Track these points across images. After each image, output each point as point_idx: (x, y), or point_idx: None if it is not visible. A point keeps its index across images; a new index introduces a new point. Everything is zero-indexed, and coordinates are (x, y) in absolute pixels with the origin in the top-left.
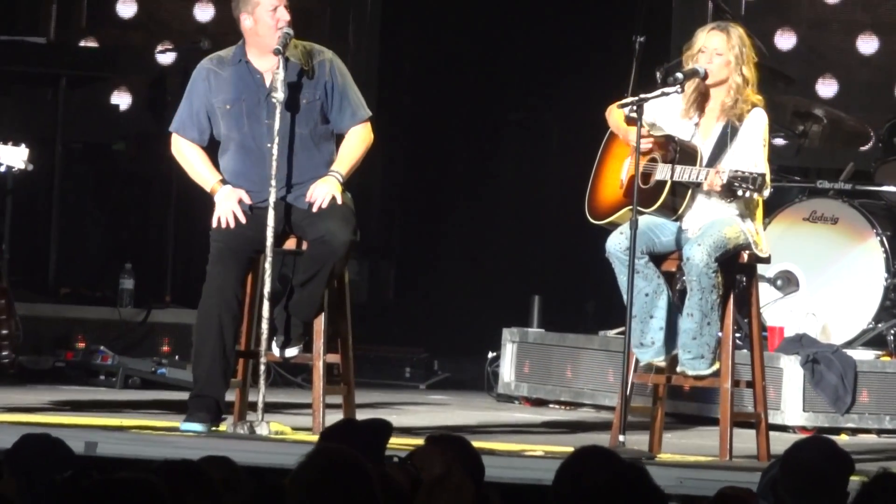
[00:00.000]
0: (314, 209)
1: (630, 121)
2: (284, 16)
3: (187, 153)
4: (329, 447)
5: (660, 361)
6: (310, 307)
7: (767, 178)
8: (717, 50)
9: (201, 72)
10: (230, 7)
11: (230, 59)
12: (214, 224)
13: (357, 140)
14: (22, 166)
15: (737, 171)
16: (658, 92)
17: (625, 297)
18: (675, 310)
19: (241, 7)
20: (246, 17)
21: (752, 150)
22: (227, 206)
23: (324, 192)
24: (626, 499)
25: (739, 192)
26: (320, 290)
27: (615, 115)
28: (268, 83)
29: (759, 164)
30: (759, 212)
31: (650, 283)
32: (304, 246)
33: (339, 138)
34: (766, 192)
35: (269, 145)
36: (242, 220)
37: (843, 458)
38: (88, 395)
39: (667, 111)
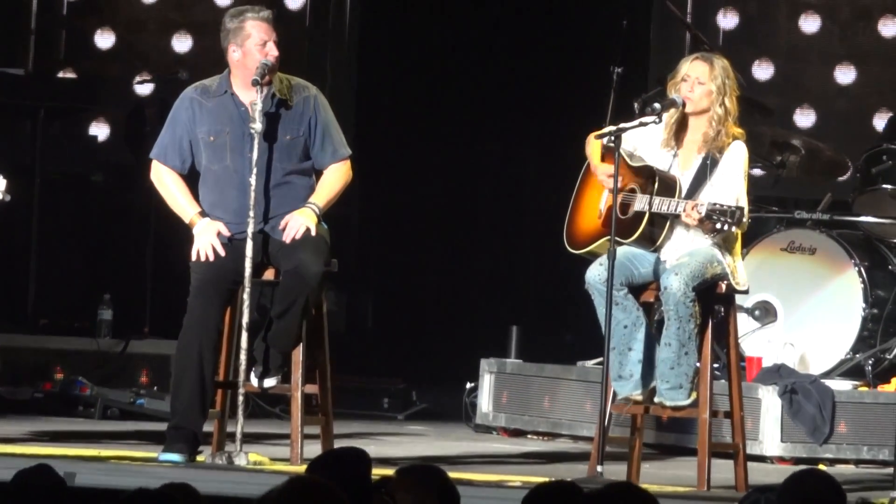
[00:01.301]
0: (287, 240)
1: (608, 151)
2: (273, 51)
3: (167, 182)
4: (303, 476)
5: (637, 395)
6: (287, 338)
7: (746, 211)
8: (699, 79)
9: (185, 100)
10: (209, 38)
11: (215, 90)
12: (194, 257)
13: (336, 177)
14: (0, 197)
15: (715, 205)
16: (636, 122)
17: (603, 328)
18: (653, 343)
19: (231, 39)
20: (234, 50)
21: (731, 184)
22: (206, 240)
23: (298, 223)
24: None
25: (718, 225)
26: (297, 321)
27: (593, 147)
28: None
29: (739, 198)
30: (738, 245)
31: (629, 316)
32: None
33: (317, 173)
34: (746, 227)
35: (250, 178)
36: (221, 252)
37: (842, 491)
38: (67, 426)
39: (647, 141)
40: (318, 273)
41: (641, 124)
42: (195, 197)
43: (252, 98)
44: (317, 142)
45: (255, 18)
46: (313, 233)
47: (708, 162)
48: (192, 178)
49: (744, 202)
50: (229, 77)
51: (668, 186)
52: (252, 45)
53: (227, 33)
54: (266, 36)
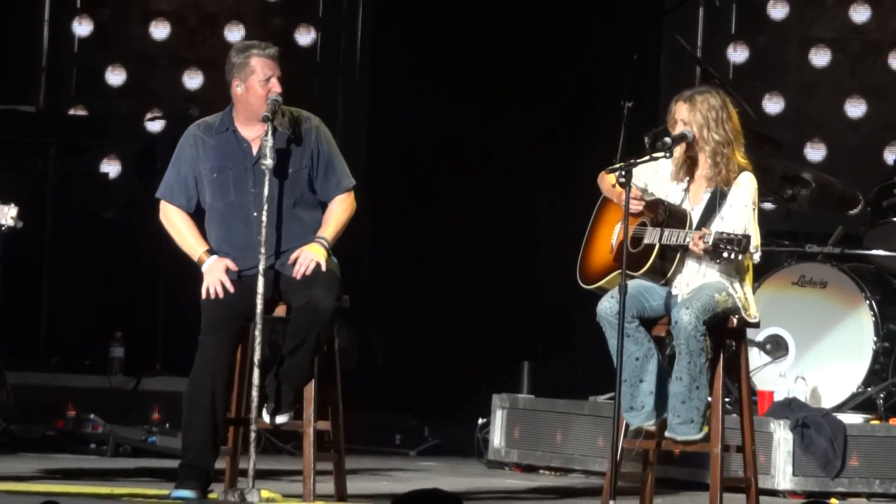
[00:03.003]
0: (297, 276)
1: (621, 186)
2: (276, 87)
3: (175, 221)
4: None
5: (650, 426)
6: (300, 375)
7: (755, 240)
8: (683, 120)
9: (189, 138)
10: (219, 75)
11: (217, 127)
12: (203, 295)
13: (341, 208)
14: (11, 223)
15: (721, 233)
16: (647, 157)
17: (615, 360)
18: (665, 374)
19: (235, 73)
20: (238, 84)
21: (739, 215)
22: (215, 277)
23: (309, 258)
24: None
25: (725, 254)
26: (309, 357)
27: (607, 179)
28: (255, 152)
29: (748, 228)
30: (749, 276)
31: (640, 347)
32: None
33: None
34: (757, 256)
35: (255, 214)
36: (231, 289)
37: None
38: (79, 464)
39: (658, 176)
40: (330, 308)
41: (652, 159)
42: (203, 234)
43: (253, 134)
44: (320, 173)
45: (260, 55)
46: (323, 267)
47: (716, 195)
48: (200, 216)
49: (752, 231)
50: (231, 112)
51: (678, 219)
52: (255, 81)
53: (231, 67)
54: (270, 72)
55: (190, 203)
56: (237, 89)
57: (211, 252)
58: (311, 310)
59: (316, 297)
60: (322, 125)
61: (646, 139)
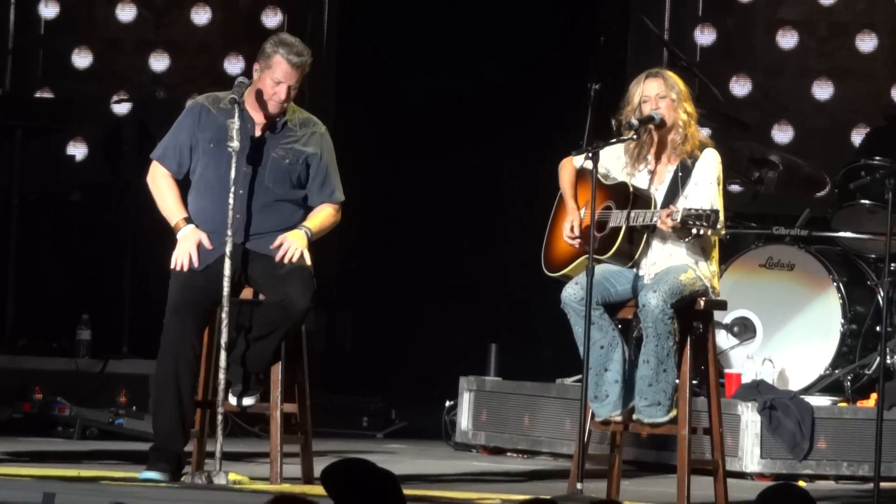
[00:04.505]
0: (285, 260)
1: (582, 174)
2: (281, 94)
3: (161, 184)
4: (286, 495)
5: (616, 416)
6: (260, 362)
7: (721, 216)
8: (660, 94)
9: (194, 107)
10: (186, 57)
11: (226, 101)
12: (172, 264)
13: (329, 213)
14: None
15: (689, 209)
16: (615, 139)
17: (580, 348)
18: (630, 363)
19: (259, 58)
20: (256, 70)
21: (704, 191)
22: (185, 248)
23: (294, 245)
24: None
25: (693, 230)
26: (272, 347)
27: (565, 172)
28: (257, 133)
29: (714, 204)
30: (715, 252)
31: (605, 336)
32: (261, 297)
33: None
34: (723, 232)
35: (241, 191)
36: (196, 264)
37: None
38: (46, 446)
39: (620, 161)
40: (304, 309)
41: (619, 140)
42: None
43: (259, 119)
44: (318, 178)
45: (285, 59)
46: (307, 258)
47: (679, 172)
48: (185, 187)
49: (718, 207)
50: (245, 90)
51: (643, 201)
52: (268, 77)
53: (261, 51)
54: (283, 79)
55: (180, 170)
56: (255, 73)
57: (188, 221)
58: (285, 308)
59: (291, 296)
60: (328, 135)
61: (613, 122)
